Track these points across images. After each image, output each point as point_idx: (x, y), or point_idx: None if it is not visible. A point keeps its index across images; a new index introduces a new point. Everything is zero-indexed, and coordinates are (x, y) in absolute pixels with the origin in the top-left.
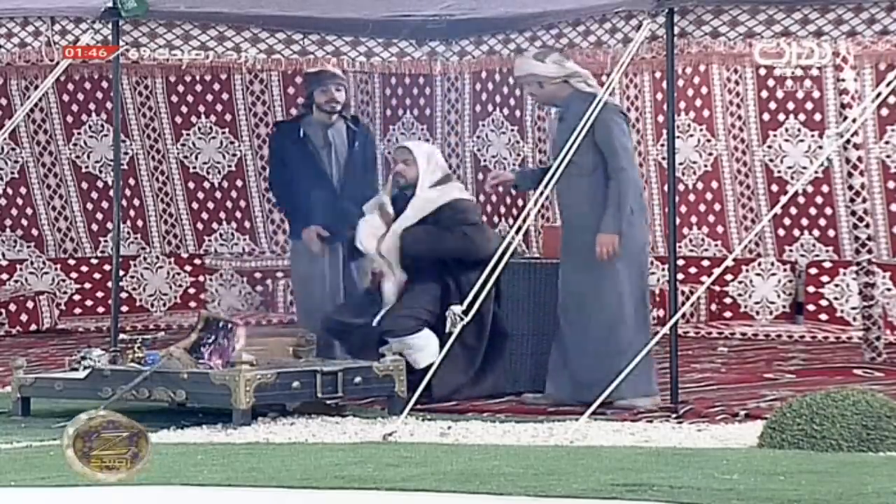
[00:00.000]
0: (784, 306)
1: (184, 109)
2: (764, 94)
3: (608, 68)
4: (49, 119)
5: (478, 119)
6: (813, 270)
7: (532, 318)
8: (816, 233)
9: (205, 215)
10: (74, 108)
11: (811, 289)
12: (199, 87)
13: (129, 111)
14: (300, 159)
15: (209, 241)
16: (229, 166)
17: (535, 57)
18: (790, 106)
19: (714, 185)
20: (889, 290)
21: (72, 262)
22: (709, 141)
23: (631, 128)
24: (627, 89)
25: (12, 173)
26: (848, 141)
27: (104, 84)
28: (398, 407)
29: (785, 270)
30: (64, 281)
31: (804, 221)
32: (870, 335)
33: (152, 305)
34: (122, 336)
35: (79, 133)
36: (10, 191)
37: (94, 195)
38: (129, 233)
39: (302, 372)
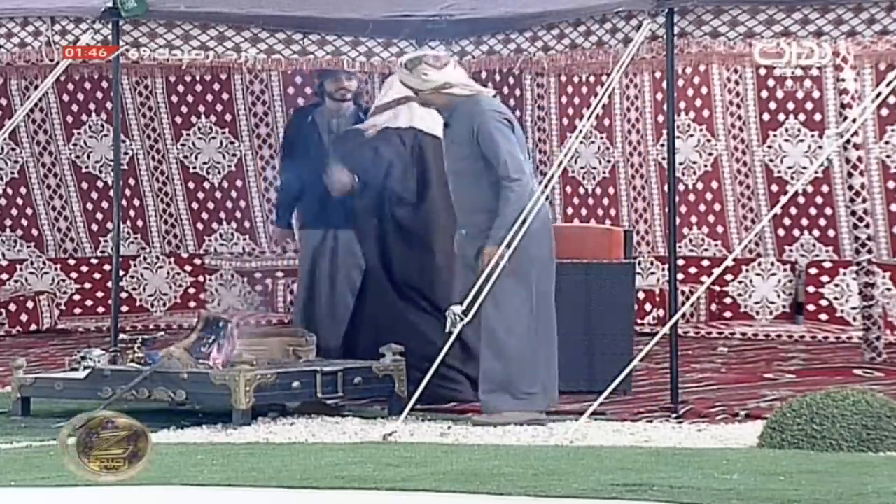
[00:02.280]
0: (784, 306)
1: (184, 109)
2: (764, 94)
3: (609, 68)
4: (49, 119)
5: None
6: (813, 270)
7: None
8: (816, 233)
9: (205, 215)
10: (74, 108)
11: (811, 289)
12: (199, 87)
13: (129, 111)
14: (304, 145)
15: (209, 241)
16: (229, 166)
17: (406, 66)
18: (790, 106)
19: (714, 185)
20: (889, 290)
21: (72, 262)
22: (709, 141)
23: (527, 130)
24: (627, 89)
25: (12, 173)
26: (848, 141)
27: (104, 84)
28: (398, 407)
29: (785, 270)
30: (64, 281)
31: (804, 221)
32: (870, 335)
33: (152, 305)
34: (122, 336)
35: (79, 133)
36: (10, 191)
37: (94, 195)
38: (129, 233)
39: (302, 372)
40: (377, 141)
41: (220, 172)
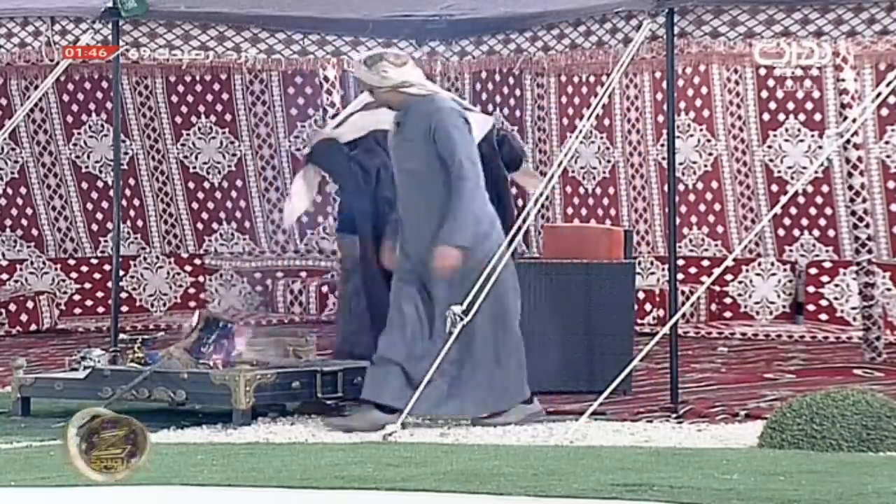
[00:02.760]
0: (784, 306)
1: (184, 109)
2: (764, 94)
3: (609, 68)
4: (49, 119)
5: None
6: (813, 270)
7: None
8: (816, 233)
9: (205, 215)
10: (74, 108)
11: (811, 289)
12: (199, 87)
13: (129, 111)
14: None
15: (209, 241)
16: (229, 166)
17: (364, 63)
18: (790, 106)
19: (714, 185)
20: (889, 290)
21: (72, 262)
22: (709, 141)
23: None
24: (627, 89)
25: (12, 173)
26: (848, 141)
27: (104, 84)
28: None
29: (785, 270)
30: (64, 281)
31: (804, 221)
32: (870, 335)
33: (152, 305)
34: (122, 336)
35: (79, 133)
36: (10, 191)
37: (94, 195)
38: (129, 233)
39: (302, 372)
40: (362, 149)
41: (220, 172)
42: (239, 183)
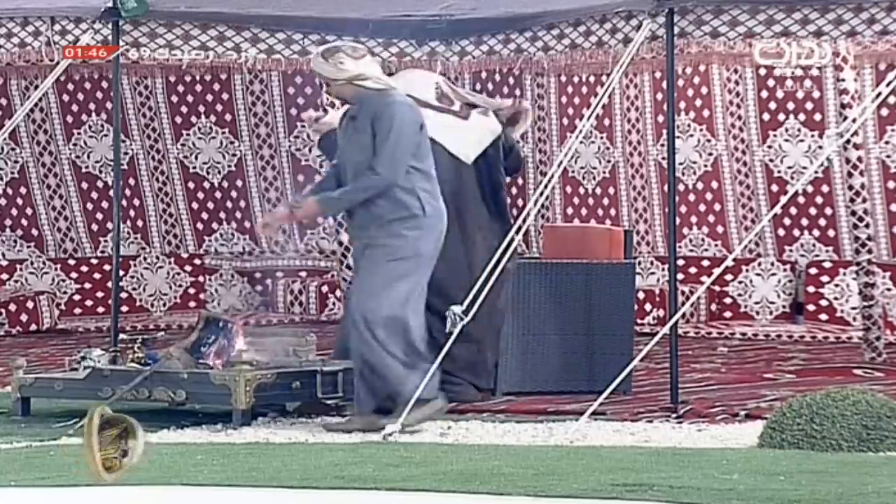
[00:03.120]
0: (784, 306)
1: (184, 109)
2: (764, 94)
3: (609, 68)
4: (49, 119)
5: None
6: (813, 270)
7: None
8: (816, 233)
9: (205, 215)
10: (74, 108)
11: (811, 289)
12: (199, 87)
13: (129, 111)
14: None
15: (209, 241)
16: (229, 166)
17: (322, 55)
18: (790, 106)
19: (714, 185)
20: (889, 290)
21: (72, 262)
22: (709, 141)
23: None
24: (627, 89)
25: (12, 173)
26: (848, 141)
27: (104, 84)
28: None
29: (785, 270)
30: (64, 281)
31: (804, 221)
32: (870, 335)
33: (152, 305)
34: (122, 336)
35: (79, 133)
36: (10, 191)
37: (94, 195)
38: (129, 233)
39: (302, 372)
40: None
41: (219, 172)
42: (239, 183)
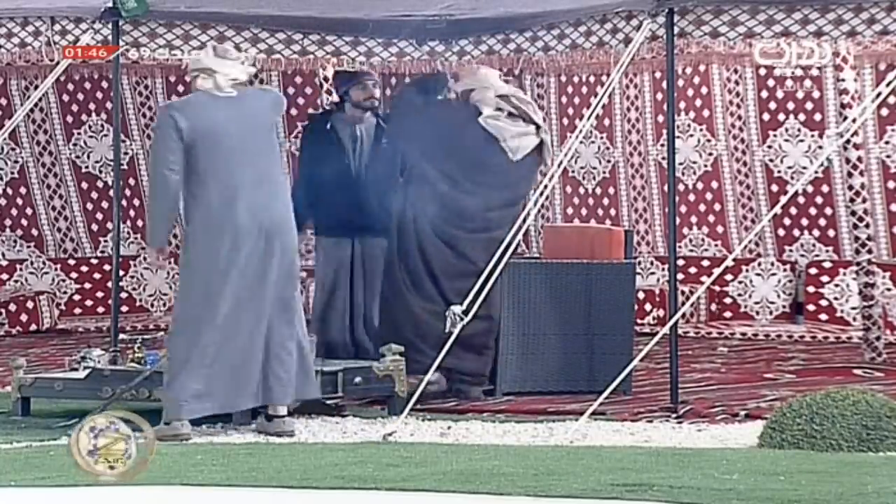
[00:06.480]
0: (784, 306)
1: None
2: (764, 94)
3: (609, 68)
4: (49, 119)
5: None
6: (813, 270)
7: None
8: (816, 233)
9: None
10: (74, 108)
11: (811, 289)
12: None
13: (129, 111)
14: (324, 153)
15: None
16: None
17: (214, 47)
18: (790, 106)
19: (714, 185)
20: (889, 290)
21: (72, 262)
22: (709, 141)
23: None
24: (627, 89)
25: (12, 173)
26: (848, 141)
27: (104, 84)
28: (398, 407)
29: (785, 270)
30: (64, 281)
31: (804, 221)
32: (870, 335)
33: (152, 305)
34: (122, 336)
35: (79, 133)
36: (10, 191)
37: (94, 195)
38: (129, 233)
39: None
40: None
41: None
42: None
